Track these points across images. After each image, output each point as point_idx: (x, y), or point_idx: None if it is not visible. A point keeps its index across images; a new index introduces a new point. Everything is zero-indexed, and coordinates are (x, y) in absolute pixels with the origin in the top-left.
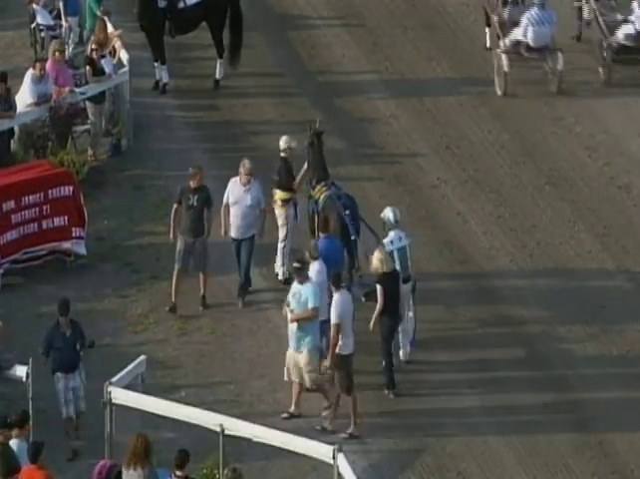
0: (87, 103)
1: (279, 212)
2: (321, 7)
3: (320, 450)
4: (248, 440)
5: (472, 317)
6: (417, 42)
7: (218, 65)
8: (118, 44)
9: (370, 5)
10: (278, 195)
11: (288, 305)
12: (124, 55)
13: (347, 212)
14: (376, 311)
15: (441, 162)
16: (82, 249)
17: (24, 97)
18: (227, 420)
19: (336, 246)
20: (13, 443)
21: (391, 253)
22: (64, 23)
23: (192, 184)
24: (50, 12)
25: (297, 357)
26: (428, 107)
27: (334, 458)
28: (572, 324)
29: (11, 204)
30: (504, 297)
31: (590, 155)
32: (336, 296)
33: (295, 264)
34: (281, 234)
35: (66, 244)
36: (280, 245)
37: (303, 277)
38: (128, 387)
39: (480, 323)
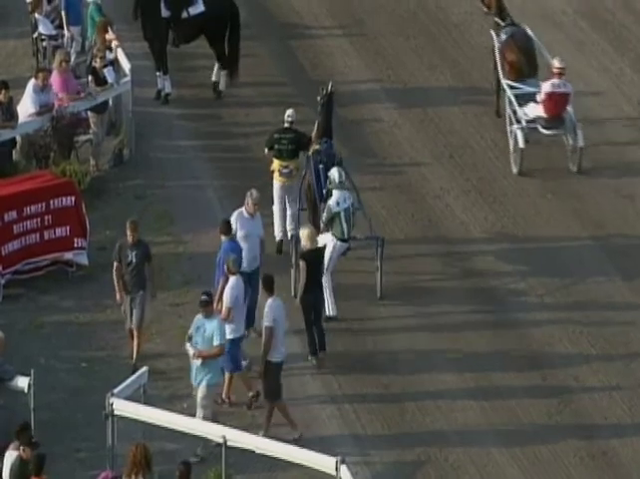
0: (89, 112)
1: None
2: (322, 16)
3: (323, 462)
4: (251, 452)
5: (476, 321)
6: (419, 50)
7: (222, 76)
8: (117, 50)
9: (372, 14)
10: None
11: (191, 339)
12: (126, 64)
13: (320, 166)
14: (300, 286)
15: (444, 171)
16: (84, 260)
17: (26, 107)
18: (230, 432)
19: (238, 250)
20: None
21: (337, 214)
22: (66, 33)
23: (130, 239)
24: (52, 21)
25: (195, 390)
26: (431, 116)
27: (337, 470)
28: (577, 336)
29: (13, 214)
30: (508, 304)
31: (594, 166)
32: (269, 301)
33: (202, 298)
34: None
35: (68, 255)
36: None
37: (210, 311)
38: (130, 398)
39: (483, 326)
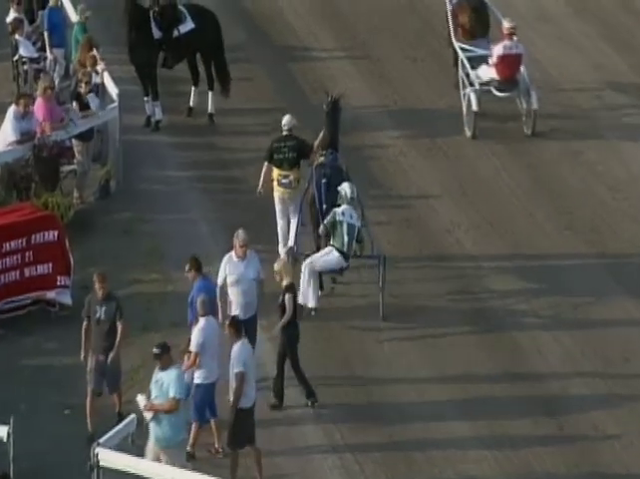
0: (73, 141)
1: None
2: (324, 37)
3: None
4: None
5: (486, 365)
6: (427, 74)
7: (210, 98)
8: (104, 73)
9: (376, 34)
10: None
11: (149, 396)
12: (113, 89)
13: (324, 180)
14: (284, 320)
15: (453, 203)
16: (67, 299)
17: (6, 134)
18: None
19: (211, 289)
20: None
21: (340, 224)
22: (49, 55)
23: (99, 293)
24: (34, 43)
25: (158, 453)
26: (439, 144)
27: None
28: (592, 378)
29: None
30: (521, 345)
31: (614, 196)
32: (238, 345)
33: (155, 350)
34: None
35: (50, 294)
36: (281, 223)
37: (165, 363)
38: (117, 448)
39: (494, 369)
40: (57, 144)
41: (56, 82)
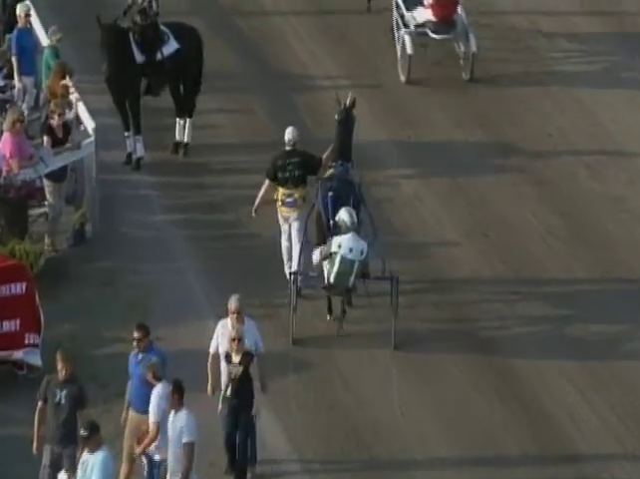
0: (44, 181)
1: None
2: (329, 63)
3: None
4: None
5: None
6: (444, 105)
7: (188, 125)
8: (78, 104)
9: (387, 60)
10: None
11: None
12: (89, 122)
13: (330, 194)
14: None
15: (476, 252)
16: (37, 360)
17: None
18: None
19: (160, 352)
20: None
21: (334, 255)
22: (17, 83)
23: (60, 374)
24: (0, 70)
25: None
26: (460, 184)
27: None
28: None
29: None
30: (539, 395)
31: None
32: (184, 414)
33: (82, 433)
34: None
35: (17, 354)
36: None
37: (94, 445)
38: None
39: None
40: (25, 184)
41: (25, 113)
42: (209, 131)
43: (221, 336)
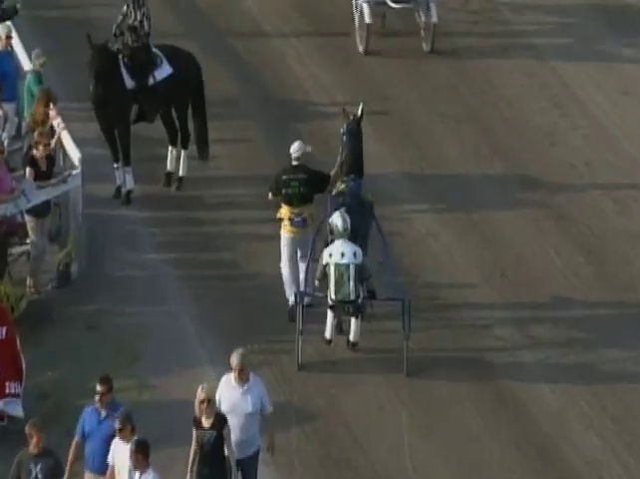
0: (26, 217)
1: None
2: (335, 89)
3: None
4: None
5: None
6: (461, 134)
7: (183, 157)
8: (63, 133)
9: (398, 87)
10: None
11: None
12: (74, 153)
13: (342, 209)
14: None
15: (494, 293)
16: (18, 411)
17: None
18: None
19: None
20: None
21: (327, 268)
22: None
23: (32, 448)
24: None
25: None
26: (476, 221)
27: None
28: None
29: None
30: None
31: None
32: (150, 476)
33: None
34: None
35: None
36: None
37: None
38: None
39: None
40: (6, 220)
41: (5, 143)
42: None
43: (222, 393)
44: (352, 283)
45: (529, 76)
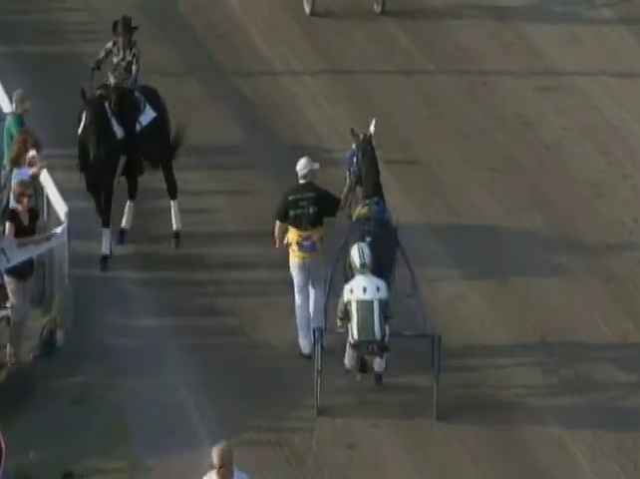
0: (5, 278)
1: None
2: (348, 132)
3: None
4: None
5: None
6: (494, 185)
7: (174, 209)
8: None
9: (423, 131)
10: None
11: None
12: (60, 206)
13: (368, 239)
14: None
15: (532, 363)
16: None
17: None
18: None
19: None
20: None
21: (349, 305)
22: None
23: None
24: None
25: None
26: (512, 282)
27: None
28: None
29: None
30: None
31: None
32: None
33: None
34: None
35: None
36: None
37: None
38: None
39: None
40: None
41: None
42: (206, 216)
43: None
44: (376, 321)
45: (572, 118)
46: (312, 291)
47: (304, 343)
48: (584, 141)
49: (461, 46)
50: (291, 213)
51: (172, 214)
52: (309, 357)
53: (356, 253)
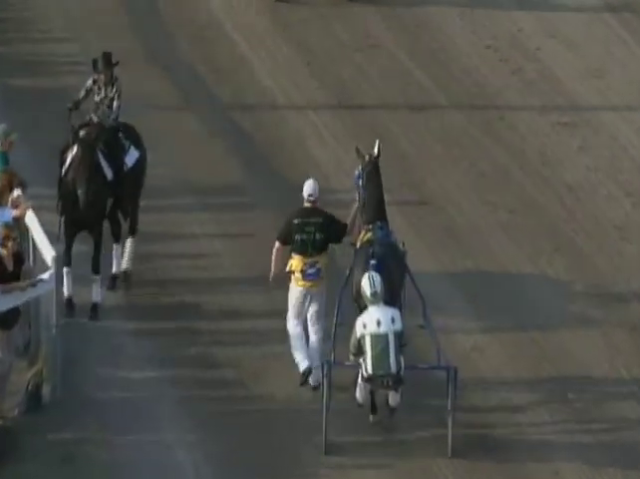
0: None
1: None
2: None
3: None
4: None
5: None
6: (512, 228)
7: (130, 247)
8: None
9: (441, 173)
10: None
11: None
12: (47, 250)
13: (373, 262)
14: None
15: (554, 418)
16: None
17: None
18: None
19: None
20: None
21: (363, 339)
22: None
23: None
24: None
25: None
26: (531, 334)
27: None
28: None
29: None
30: None
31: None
32: None
33: None
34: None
35: None
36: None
37: None
38: None
39: None
40: None
41: None
42: (203, 261)
43: None
44: (392, 354)
45: (596, 156)
46: (311, 330)
47: (302, 362)
48: (608, 181)
49: (478, 80)
50: (296, 237)
51: (127, 251)
52: (314, 387)
53: (367, 282)
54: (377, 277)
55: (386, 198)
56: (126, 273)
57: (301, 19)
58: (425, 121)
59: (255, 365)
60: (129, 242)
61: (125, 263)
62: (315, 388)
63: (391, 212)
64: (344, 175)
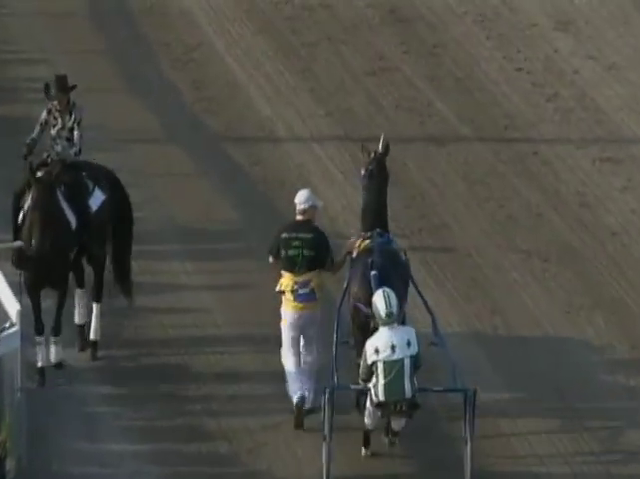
0: None
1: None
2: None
3: None
4: None
5: None
6: (546, 279)
7: (96, 314)
8: None
9: (458, 211)
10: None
11: None
12: (11, 304)
13: (373, 272)
14: None
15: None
16: None
17: None
18: None
19: None
20: None
21: (374, 367)
22: None
23: None
24: None
25: None
26: (568, 398)
27: None
28: None
29: None
30: None
31: None
32: None
33: None
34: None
35: None
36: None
37: None
38: None
39: None
40: None
41: None
42: (192, 317)
43: None
44: (407, 379)
45: (636, 197)
46: (304, 353)
47: (295, 392)
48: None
49: (508, 109)
50: (283, 253)
51: (94, 320)
52: (309, 411)
53: (381, 301)
54: (392, 295)
55: (402, 244)
56: (94, 344)
57: (305, 40)
58: (446, 156)
59: (252, 437)
60: (95, 309)
61: (93, 334)
62: (310, 412)
63: (408, 256)
64: (353, 215)
